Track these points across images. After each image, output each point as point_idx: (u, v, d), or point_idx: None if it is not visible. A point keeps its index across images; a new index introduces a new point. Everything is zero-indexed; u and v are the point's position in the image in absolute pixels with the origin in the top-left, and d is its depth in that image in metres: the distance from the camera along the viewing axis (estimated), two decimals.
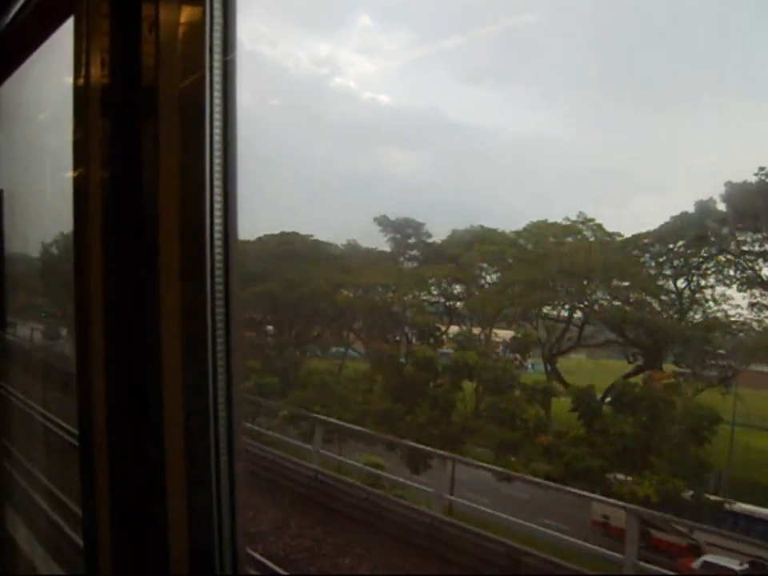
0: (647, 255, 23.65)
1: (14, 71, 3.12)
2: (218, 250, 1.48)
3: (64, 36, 2.13)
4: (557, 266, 23.18)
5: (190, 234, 1.50)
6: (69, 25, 2.00)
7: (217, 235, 1.48)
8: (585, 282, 23.41)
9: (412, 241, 28.58)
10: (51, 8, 2.35)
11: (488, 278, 26.58)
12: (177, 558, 1.57)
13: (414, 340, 26.06)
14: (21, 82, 3.30)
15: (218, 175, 1.46)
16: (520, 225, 25.87)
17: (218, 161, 1.47)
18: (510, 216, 25.58)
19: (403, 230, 28.34)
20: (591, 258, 23.13)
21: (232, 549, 1.55)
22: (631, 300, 23.03)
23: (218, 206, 1.47)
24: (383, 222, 28.23)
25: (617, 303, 23.16)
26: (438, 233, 27.68)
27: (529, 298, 23.74)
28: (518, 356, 23.10)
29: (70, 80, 1.90)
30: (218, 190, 1.47)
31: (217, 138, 1.46)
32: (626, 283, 23.32)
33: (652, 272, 23.38)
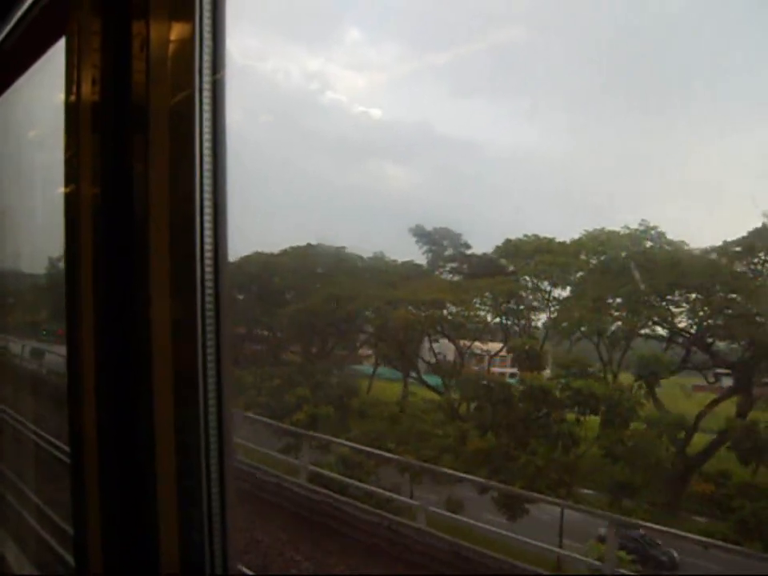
0: (744, 265, 20.57)
1: (7, 89, 3.14)
2: (207, 264, 1.49)
3: (56, 54, 2.16)
4: (649, 278, 20.52)
5: (180, 248, 1.51)
6: (61, 44, 2.02)
7: (207, 249, 1.49)
8: (695, 296, 20.51)
9: (449, 252, 26.54)
10: (44, 27, 2.37)
11: (555, 292, 23.29)
12: (167, 558, 1.57)
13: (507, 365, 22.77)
14: (14, 99, 3.32)
15: (207, 191, 1.48)
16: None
17: (207, 177, 1.48)
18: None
19: (440, 240, 26.53)
20: (692, 269, 20.47)
21: (222, 550, 1.55)
22: (739, 313, 20.07)
23: (207, 220, 1.49)
24: (419, 233, 26.41)
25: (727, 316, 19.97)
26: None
27: (632, 314, 20.86)
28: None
29: (62, 97, 1.92)
30: (207, 205, 1.48)
31: (206, 154, 1.48)
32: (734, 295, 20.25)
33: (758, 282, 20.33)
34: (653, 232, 21.81)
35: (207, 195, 1.47)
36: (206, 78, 1.47)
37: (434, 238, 26.51)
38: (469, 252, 25.72)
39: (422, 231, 26.35)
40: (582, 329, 21.64)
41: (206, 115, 1.47)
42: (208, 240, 1.49)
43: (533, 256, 23.46)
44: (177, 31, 1.50)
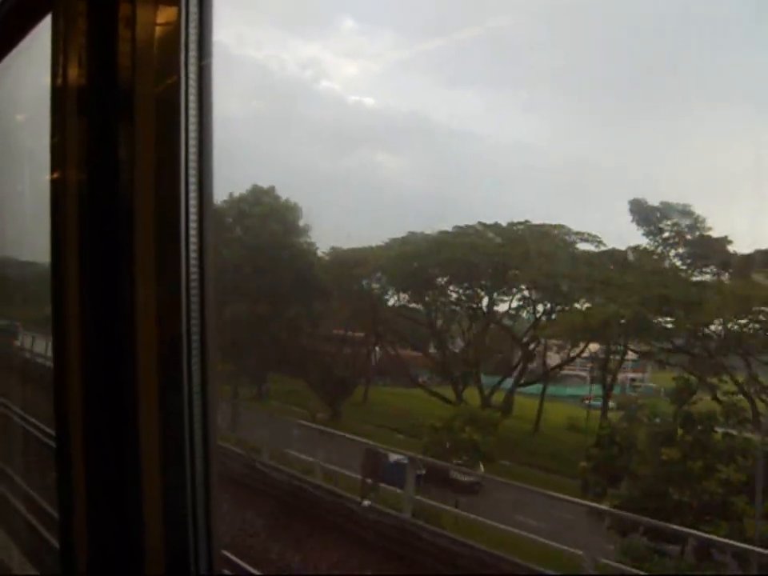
0: None
1: None
2: (193, 251, 1.49)
3: (42, 34, 2.12)
4: None
5: (165, 235, 1.50)
6: (46, 23, 1.99)
7: (192, 236, 1.49)
8: None
9: (669, 234, 22.20)
10: (29, 6, 2.33)
11: None
12: (152, 558, 1.57)
13: None
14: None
15: (193, 177, 1.47)
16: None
17: (193, 163, 1.47)
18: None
19: (662, 220, 21.98)
20: None
21: (207, 549, 1.56)
22: None
23: (193, 207, 1.48)
24: (639, 210, 22.14)
25: None
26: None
27: None
28: None
29: (47, 79, 1.89)
30: (193, 192, 1.47)
31: (192, 141, 1.47)
32: None
33: None
34: None
35: (192, 180, 1.47)
36: (192, 63, 1.46)
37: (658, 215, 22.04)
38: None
39: (642, 208, 22.06)
40: None
41: (192, 101, 1.46)
42: (193, 227, 1.48)
43: None
44: (164, 15, 1.49)
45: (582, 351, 26.26)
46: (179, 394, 1.51)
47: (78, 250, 1.69)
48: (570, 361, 27.45)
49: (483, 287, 27.55)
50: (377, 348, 30.14)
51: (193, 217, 1.48)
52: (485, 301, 27.86)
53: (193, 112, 1.46)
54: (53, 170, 1.83)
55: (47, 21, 1.96)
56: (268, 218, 28.57)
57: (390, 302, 29.29)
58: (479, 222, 26.12)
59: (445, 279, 27.74)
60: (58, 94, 1.79)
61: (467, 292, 27.91)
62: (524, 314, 27.87)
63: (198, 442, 1.52)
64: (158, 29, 1.50)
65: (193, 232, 1.48)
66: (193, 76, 1.46)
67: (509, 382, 27.53)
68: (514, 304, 27.48)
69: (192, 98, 1.46)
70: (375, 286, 29.21)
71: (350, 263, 27.98)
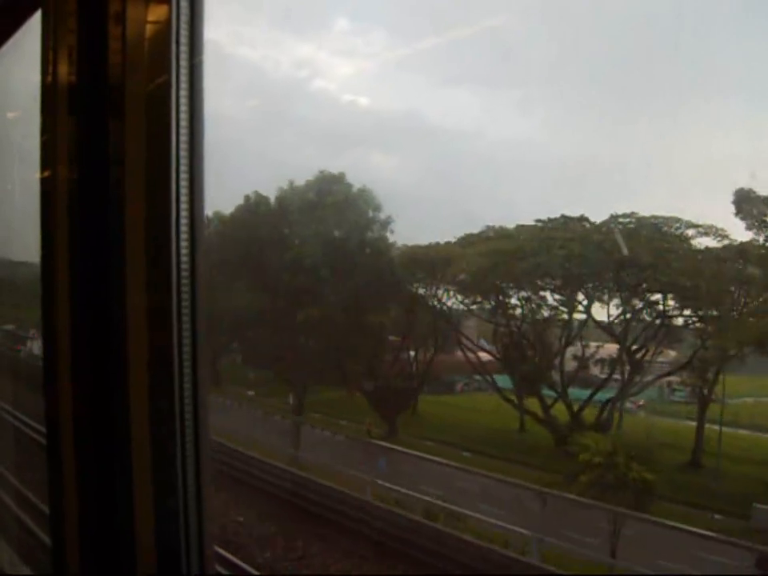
0: None
1: None
2: (183, 248, 1.48)
3: (31, 31, 2.10)
4: None
5: (156, 233, 1.50)
6: (36, 20, 1.97)
7: (183, 236, 1.48)
8: None
9: None
10: (19, 3, 2.31)
11: None
12: (144, 557, 1.57)
13: None
14: None
15: (184, 175, 1.46)
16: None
17: (184, 161, 1.47)
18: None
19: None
20: None
21: (199, 548, 1.55)
22: None
23: (183, 205, 1.47)
24: (745, 199, 20.03)
25: None
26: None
27: None
28: None
29: (37, 77, 1.88)
30: (184, 190, 1.47)
31: (183, 139, 1.46)
32: None
33: None
34: None
35: (183, 180, 1.46)
36: (183, 61, 1.45)
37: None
38: None
39: (750, 198, 19.99)
40: None
41: (183, 100, 1.45)
42: (184, 226, 1.48)
43: None
44: (154, 13, 1.48)
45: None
46: (170, 394, 1.51)
47: (68, 247, 1.69)
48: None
49: (600, 288, 24.25)
50: (434, 353, 27.09)
51: (184, 214, 1.47)
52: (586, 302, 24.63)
53: (184, 110, 1.46)
54: (43, 168, 1.82)
55: (37, 18, 1.94)
56: (343, 210, 25.81)
57: (473, 306, 26.35)
58: (562, 215, 23.57)
59: (551, 279, 24.50)
60: (48, 92, 1.78)
61: (576, 292, 24.51)
62: (640, 319, 24.21)
63: (190, 441, 1.52)
64: (148, 26, 1.49)
65: (184, 229, 1.48)
66: (184, 73, 1.45)
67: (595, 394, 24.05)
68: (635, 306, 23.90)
69: (183, 96, 1.45)
70: (451, 288, 26.20)
71: (430, 261, 25.30)
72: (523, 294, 25.39)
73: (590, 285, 24.43)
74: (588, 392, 24.62)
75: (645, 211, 23.05)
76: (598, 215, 23.82)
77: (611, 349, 25.10)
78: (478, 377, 27.70)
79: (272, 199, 28.10)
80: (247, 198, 28.71)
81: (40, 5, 1.91)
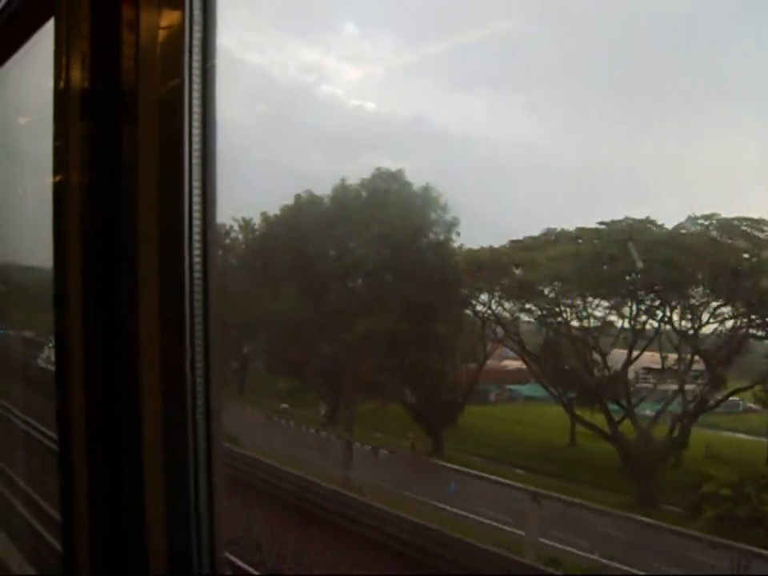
0: None
1: None
2: (196, 255, 1.48)
3: (45, 38, 2.12)
4: None
5: (169, 238, 1.50)
6: (49, 27, 1.99)
7: (196, 239, 1.48)
8: None
9: None
10: (32, 10, 2.33)
11: None
12: (156, 558, 1.57)
13: None
14: (1, 84, 3.27)
15: (196, 182, 1.46)
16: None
17: (196, 167, 1.47)
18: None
19: None
20: None
21: (210, 552, 1.55)
22: None
23: (196, 210, 1.47)
24: None
25: None
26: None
27: None
28: None
29: (50, 83, 1.89)
30: (196, 197, 1.47)
31: (196, 145, 1.46)
32: None
33: None
34: None
35: (196, 185, 1.46)
36: (196, 66, 1.45)
37: None
38: None
39: None
40: None
41: (196, 104, 1.46)
42: (197, 230, 1.48)
43: None
44: (167, 18, 1.48)
45: None
46: (182, 400, 1.51)
47: (80, 253, 1.69)
48: None
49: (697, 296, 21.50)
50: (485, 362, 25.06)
51: (196, 221, 1.47)
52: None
53: (196, 116, 1.46)
54: (56, 174, 1.83)
55: (50, 25, 1.96)
56: (407, 211, 23.32)
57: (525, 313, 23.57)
58: (626, 217, 21.16)
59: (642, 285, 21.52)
60: (61, 98, 1.79)
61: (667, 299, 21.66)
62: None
63: (202, 445, 1.52)
64: (161, 32, 1.49)
65: (196, 237, 1.48)
66: (196, 79, 1.46)
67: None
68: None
69: (196, 101, 1.46)
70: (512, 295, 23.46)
71: (500, 266, 22.78)
72: (602, 301, 22.86)
73: (688, 291, 21.78)
74: (658, 406, 22.11)
75: (662, 215, 22.05)
76: (615, 217, 22.77)
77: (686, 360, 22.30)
78: (511, 386, 26.31)
79: (325, 200, 25.29)
80: (298, 197, 25.75)
81: (53, 12, 1.92)
